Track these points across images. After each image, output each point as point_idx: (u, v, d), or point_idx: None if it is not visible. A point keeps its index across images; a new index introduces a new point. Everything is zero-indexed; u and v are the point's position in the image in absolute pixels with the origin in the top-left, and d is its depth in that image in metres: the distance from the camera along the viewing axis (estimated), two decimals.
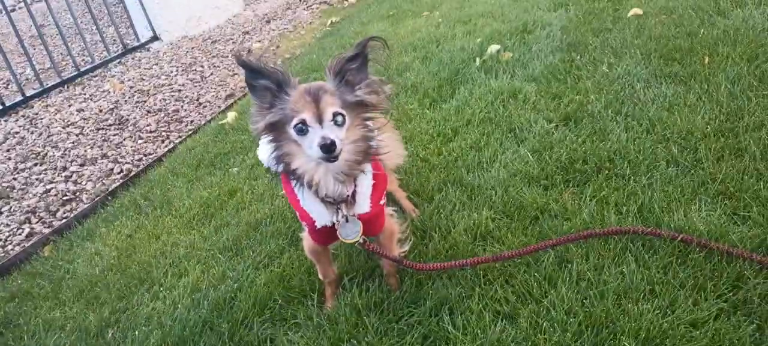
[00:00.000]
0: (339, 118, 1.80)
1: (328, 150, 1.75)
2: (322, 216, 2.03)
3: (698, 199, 2.26)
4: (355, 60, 1.83)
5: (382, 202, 2.14)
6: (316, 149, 1.76)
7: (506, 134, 3.15)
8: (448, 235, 2.46)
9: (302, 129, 1.79)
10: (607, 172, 2.58)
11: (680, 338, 1.71)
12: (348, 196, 1.99)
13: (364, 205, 2.04)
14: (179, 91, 6.06)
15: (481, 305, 2.05)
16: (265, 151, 2.07)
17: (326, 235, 2.10)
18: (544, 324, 1.90)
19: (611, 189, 2.46)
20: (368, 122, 1.96)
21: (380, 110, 1.95)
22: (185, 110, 5.58)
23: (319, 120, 1.78)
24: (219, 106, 5.51)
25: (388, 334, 2.06)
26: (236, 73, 6.34)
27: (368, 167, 2.03)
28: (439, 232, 2.48)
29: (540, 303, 2.00)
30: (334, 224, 2.02)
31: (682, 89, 3.04)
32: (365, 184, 2.04)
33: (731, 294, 1.81)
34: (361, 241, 2.06)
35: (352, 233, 2.04)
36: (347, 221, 2.02)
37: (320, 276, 2.33)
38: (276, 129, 1.87)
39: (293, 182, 1.99)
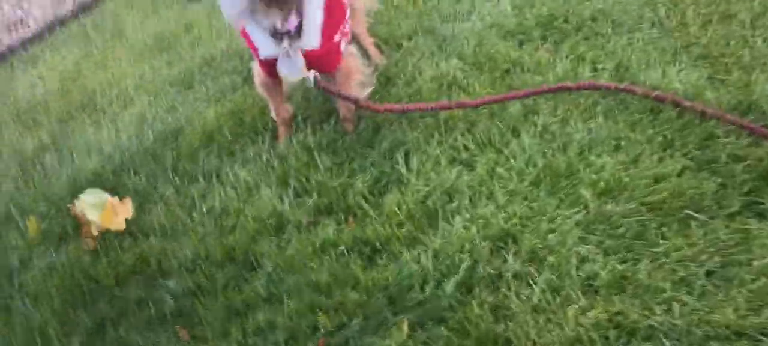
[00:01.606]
0: None
1: None
2: (264, 46, 1.84)
3: (678, 60, 2.13)
4: None
5: (338, 38, 1.95)
6: None
7: None
8: (413, 82, 2.30)
9: None
10: (587, 29, 2.42)
11: (641, 189, 1.64)
12: (289, 29, 1.79)
13: (312, 39, 1.85)
14: None
15: (438, 150, 1.95)
16: None
17: (273, 68, 1.93)
18: (502, 171, 1.81)
19: (589, 47, 2.31)
20: None
21: None
22: None
23: None
24: None
25: (338, 173, 1.96)
26: None
27: None
28: (403, 78, 2.33)
29: (500, 152, 1.90)
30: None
31: None
32: (315, 15, 1.83)
33: (699, 152, 1.73)
34: (312, 78, 1.89)
35: (293, 70, 1.86)
36: (288, 56, 1.83)
37: (272, 114, 2.19)
38: None
39: None
